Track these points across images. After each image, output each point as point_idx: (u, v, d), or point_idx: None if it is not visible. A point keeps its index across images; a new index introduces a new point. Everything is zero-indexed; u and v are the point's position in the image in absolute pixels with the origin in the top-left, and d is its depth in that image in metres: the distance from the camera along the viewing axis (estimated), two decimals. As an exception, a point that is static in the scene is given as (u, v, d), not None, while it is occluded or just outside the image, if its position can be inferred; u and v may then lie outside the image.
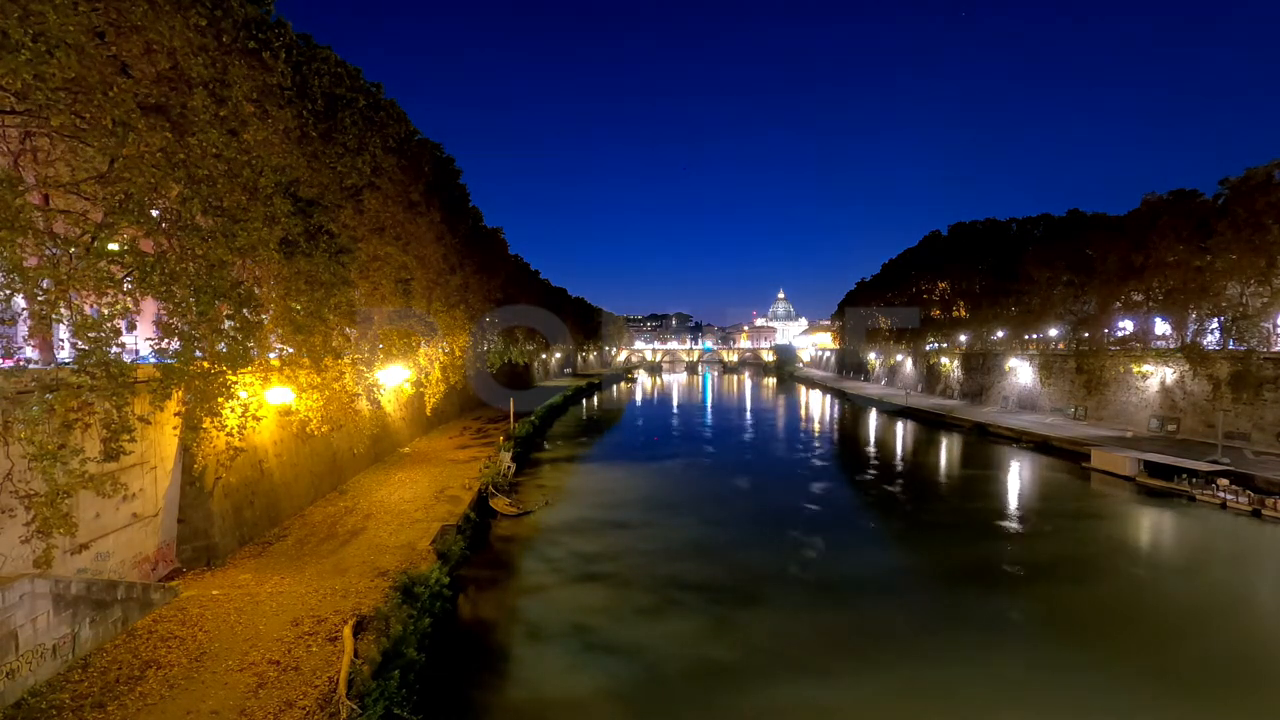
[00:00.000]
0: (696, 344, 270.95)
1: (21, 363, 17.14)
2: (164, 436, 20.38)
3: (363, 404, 30.62)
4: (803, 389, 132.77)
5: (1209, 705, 16.49)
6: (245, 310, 18.03)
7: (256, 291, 20.37)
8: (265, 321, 20.87)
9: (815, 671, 18.18)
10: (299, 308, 22.22)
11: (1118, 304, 58.58)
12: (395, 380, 38.50)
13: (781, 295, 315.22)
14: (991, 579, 25.37)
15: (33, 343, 18.28)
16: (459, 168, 52.20)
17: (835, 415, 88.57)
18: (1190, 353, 49.57)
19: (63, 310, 13.83)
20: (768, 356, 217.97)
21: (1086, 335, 63.01)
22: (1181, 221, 50.07)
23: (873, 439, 65.71)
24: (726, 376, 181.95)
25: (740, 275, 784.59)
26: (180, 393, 18.25)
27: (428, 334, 39.70)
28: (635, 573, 26.00)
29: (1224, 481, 35.88)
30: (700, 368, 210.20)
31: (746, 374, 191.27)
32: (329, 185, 26.49)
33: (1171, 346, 53.29)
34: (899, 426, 71.81)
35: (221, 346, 17.57)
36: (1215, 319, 49.53)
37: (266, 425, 25.28)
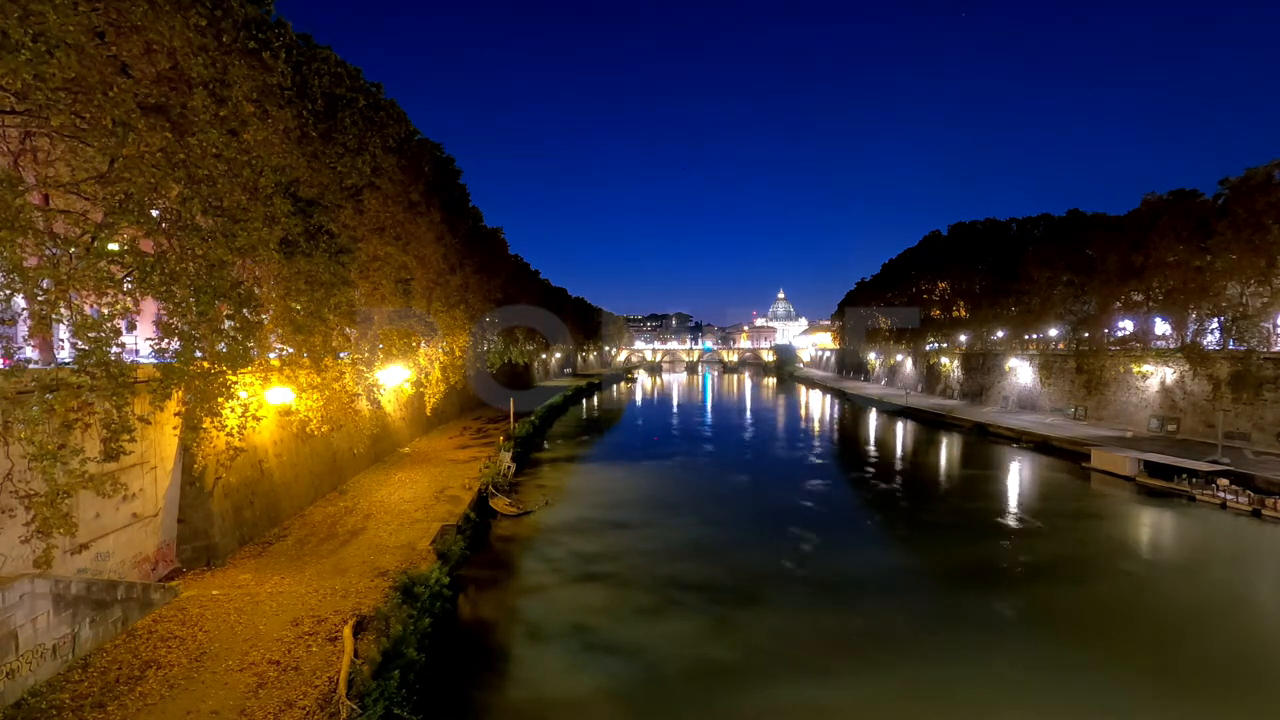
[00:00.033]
0: (696, 344, 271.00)
1: (22, 363, 17.13)
2: (164, 436, 20.38)
3: (363, 404, 30.63)
4: (803, 389, 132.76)
5: (1209, 705, 16.49)
6: (245, 310, 18.03)
7: (256, 291, 20.39)
8: (265, 321, 20.89)
9: (815, 671, 18.18)
10: (299, 308, 22.23)
11: (1118, 304, 58.58)
12: (395, 380, 38.50)
13: (781, 295, 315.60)
14: (991, 579, 25.37)
15: (33, 343, 18.27)
16: (459, 168, 52.23)
17: (835, 415, 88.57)
18: (1190, 353, 49.57)
19: (63, 310, 13.82)
20: (768, 356, 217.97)
21: (1086, 335, 63.01)
22: (1181, 221, 50.06)
23: (872, 439, 65.71)
24: (726, 376, 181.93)
25: (740, 275, 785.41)
26: (180, 393, 18.25)
27: (428, 334, 39.70)
28: (635, 573, 26.00)
29: (1224, 481, 35.88)
30: (700, 368, 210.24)
31: (746, 374, 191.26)
32: (329, 185, 26.48)
33: (1171, 346, 53.30)
34: (899, 426, 71.81)
35: (221, 346, 17.57)
36: (1215, 319, 49.53)
37: (266, 425, 25.28)
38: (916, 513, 36.69)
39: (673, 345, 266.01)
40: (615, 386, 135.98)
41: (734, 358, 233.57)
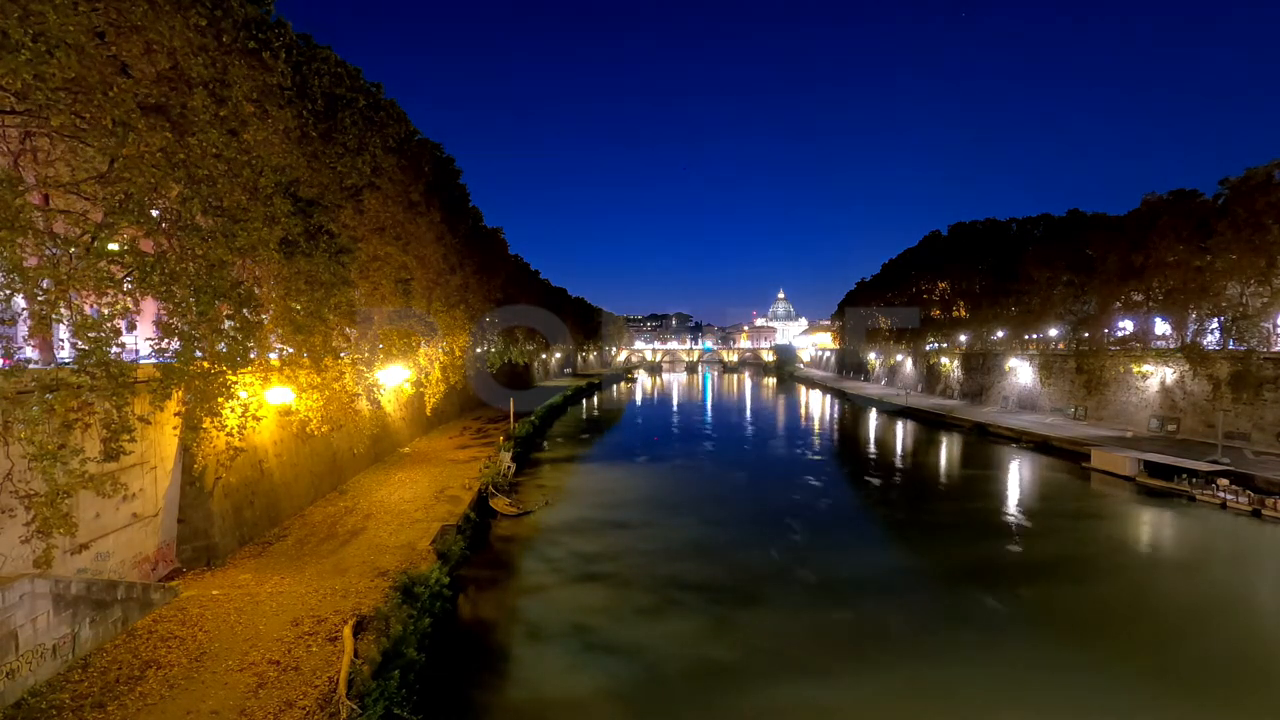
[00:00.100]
0: (696, 344, 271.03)
1: (22, 363, 17.13)
2: (164, 436, 20.39)
3: (363, 404, 30.63)
4: (802, 389, 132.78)
5: (1209, 705, 16.49)
6: (245, 310, 18.03)
7: (256, 291, 20.38)
8: (265, 321, 20.88)
9: (815, 671, 18.18)
10: (299, 308, 22.22)
11: (1118, 304, 58.58)
12: (395, 380, 38.50)
13: (781, 295, 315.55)
14: (992, 579, 25.35)
15: (33, 343, 18.27)
16: (459, 168, 52.24)
17: (835, 415, 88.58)
18: (1190, 353, 49.57)
19: (63, 310, 13.82)
20: (768, 356, 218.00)
21: (1086, 335, 63.02)
22: (1181, 221, 50.07)
23: (873, 439, 65.72)
24: (726, 376, 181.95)
25: (740, 275, 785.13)
26: (180, 393, 18.25)
27: (428, 334, 39.70)
28: (635, 573, 26.01)
29: (1224, 481, 35.88)
30: (700, 368, 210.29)
31: (746, 374, 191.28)
32: (329, 185, 26.49)
33: (1171, 346, 53.30)
34: (899, 426, 71.82)
35: (221, 346, 17.57)
36: (1215, 319, 49.53)
37: (266, 425, 25.28)
38: (916, 512, 36.69)
39: (673, 345, 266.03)
40: (615, 386, 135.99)
41: (734, 358, 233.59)
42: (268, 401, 23.62)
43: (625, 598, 23.53)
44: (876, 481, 44.52)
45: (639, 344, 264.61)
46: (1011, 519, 34.29)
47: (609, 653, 19.32)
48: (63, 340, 19.36)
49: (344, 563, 22.17)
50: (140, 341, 23.80)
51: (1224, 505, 34.58)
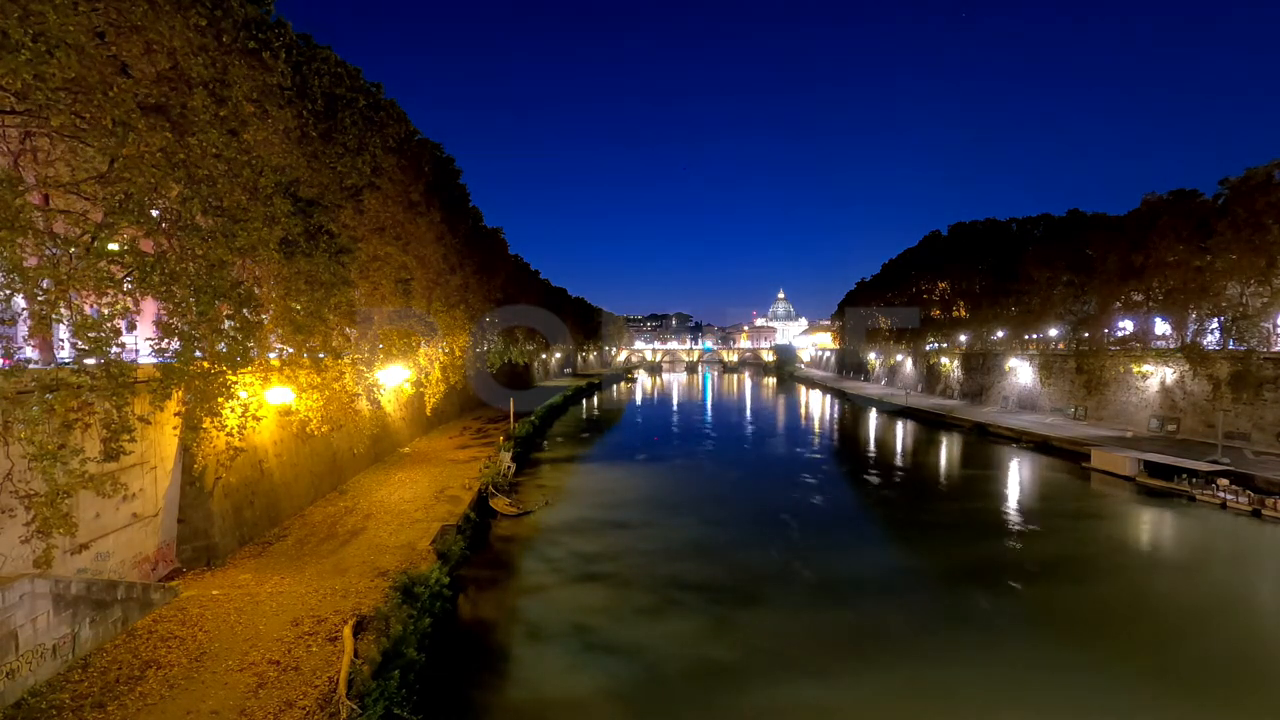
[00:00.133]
0: (696, 344, 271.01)
1: (22, 363, 17.14)
2: (164, 436, 20.39)
3: (363, 404, 30.64)
4: (803, 389, 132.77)
5: (1209, 705, 16.49)
6: (245, 310, 18.03)
7: (256, 291, 20.39)
8: (265, 321, 20.89)
9: (815, 671, 18.18)
10: (299, 308, 22.23)
11: (1118, 304, 58.59)
12: (395, 380, 38.51)
13: (781, 295, 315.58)
14: (991, 579, 25.35)
15: (33, 343, 18.27)
16: (459, 168, 52.31)
17: (835, 415, 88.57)
18: (1190, 353, 49.57)
19: (63, 310, 13.82)
20: (768, 356, 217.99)
21: (1086, 335, 63.02)
22: (1181, 221, 50.07)
23: (873, 439, 65.71)
24: (726, 376, 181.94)
25: (740, 275, 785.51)
26: (180, 393, 18.25)
27: (428, 334, 39.70)
28: (635, 573, 26.01)
29: (1224, 481, 35.88)
30: (700, 368, 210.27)
31: (746, 374, 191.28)
32: (329, 185, 26.49)
33: (1171, 346, 53.30)
34: (899, 426, 71.82)
35: (221, 346, 17.57)
36: (1215, 319, 49.53)
37: (266, 425, 25.28)
38: (916, 512, 36.68)
39: (673, 345, 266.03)
40: (615, 386, 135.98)
41: (734, 358, 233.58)
42: (268, 401, 23.62)
43: (625, 598, 23.53)
44: (876, 481, 44.52)
45: (639, 344, 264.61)
46: (1011, 519, 34.28)
47: (609, 653, 19.32)
48: (63, 340, 19.36)
49: (344, 563, 22.16)
50: (140, 341, 23.79)
51: (1224, 505, 34.58)
